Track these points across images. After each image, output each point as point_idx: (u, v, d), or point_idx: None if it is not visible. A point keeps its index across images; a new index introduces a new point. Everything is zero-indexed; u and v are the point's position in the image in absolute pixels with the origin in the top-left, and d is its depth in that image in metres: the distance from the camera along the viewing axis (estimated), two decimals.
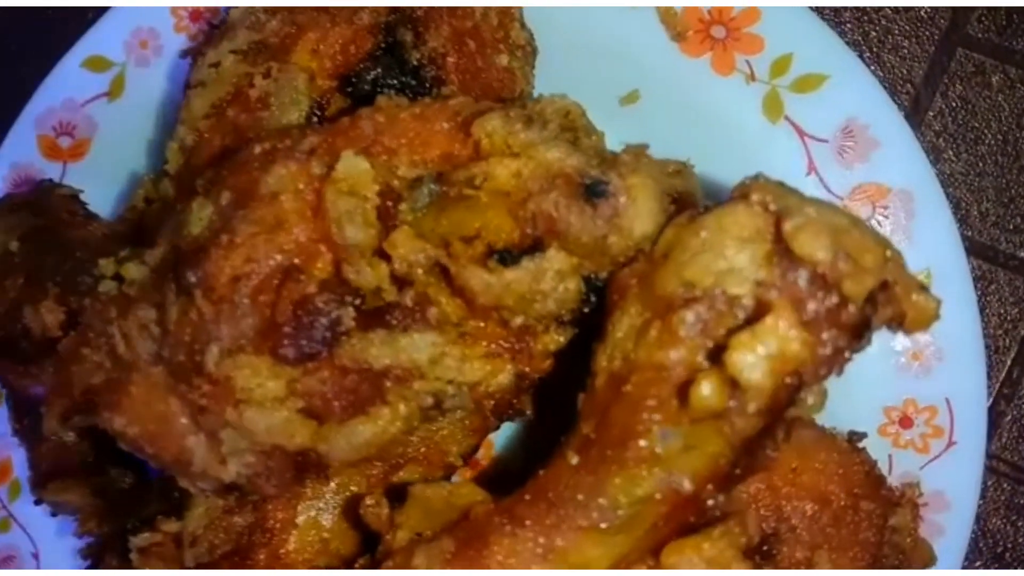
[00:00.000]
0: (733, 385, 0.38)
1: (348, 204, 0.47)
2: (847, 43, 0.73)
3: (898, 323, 0.42)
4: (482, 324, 0.51)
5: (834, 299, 0.40)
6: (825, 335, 0.40)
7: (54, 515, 0.72)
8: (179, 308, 0.48)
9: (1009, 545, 0.71)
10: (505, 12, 0.63)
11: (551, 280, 0.47)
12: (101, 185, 0.76)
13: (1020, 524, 0.71)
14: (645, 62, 0.70)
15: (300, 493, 0.59)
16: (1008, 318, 0.72)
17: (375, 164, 0.49)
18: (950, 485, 0.64)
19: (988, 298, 0.72)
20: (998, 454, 0.72)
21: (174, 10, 0.74)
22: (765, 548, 0.52)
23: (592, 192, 0.46)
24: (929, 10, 0.73)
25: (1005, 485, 0.71)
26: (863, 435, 0.58)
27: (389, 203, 0.49)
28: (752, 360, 0.38)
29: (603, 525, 0.44)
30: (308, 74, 0.60)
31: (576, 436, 0.46)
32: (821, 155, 0.67)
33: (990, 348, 0.72)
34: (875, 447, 0.64)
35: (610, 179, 0.46)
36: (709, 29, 0.69)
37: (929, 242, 0.65)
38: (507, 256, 0.46)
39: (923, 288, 0.42)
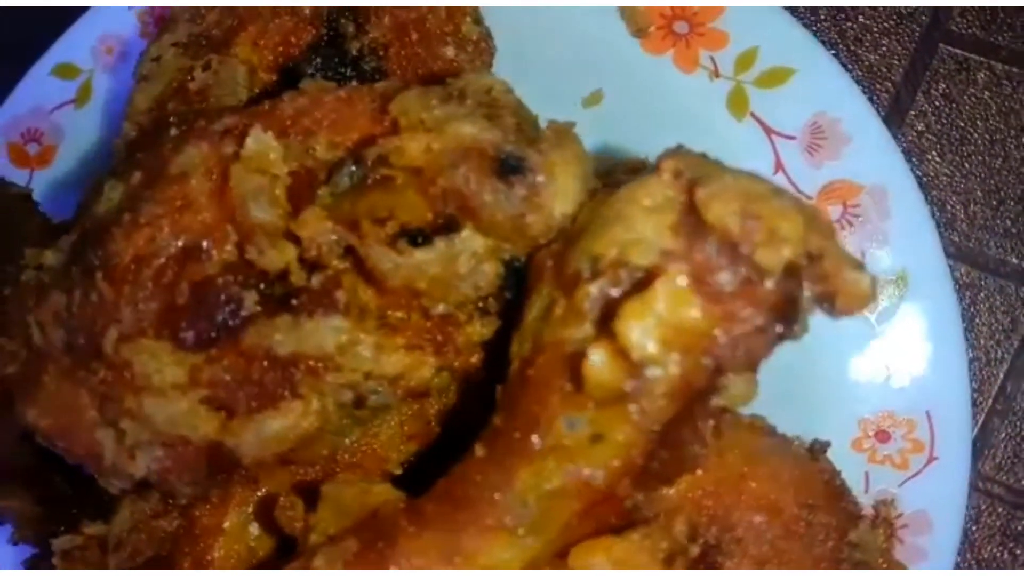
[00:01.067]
0: (627, 358, 0.35)
1: (254, 182, 0.45)
2: (824, 42, 0.70)
3: (829, 303, 0.39)
4: (402, 315, 0.48)
5: (746, 271, 0.36)
6: (741, 311, 0.37)
7: (12, 542, 0.70)
8: (82, 290, 0.46)
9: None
10: (456, 7, 0.62)
11: (466, 262, 0.44)
12: (67, 191, 0.76)
13: (1019, 552, 0.65)
14: (607, 61, 0.68)
15: (228, 499, 0.56)
16: (1000, 328, 0.67)
17: (290, 145, 0.47)
18: (932, 504, 0.59)
19: (978, 307, 0.67)
20: (992, 476, 0.66)
21: (140, 15, 0.75)
22: (707, 560, 0.47)
23: (507, 168, 0.43)
24: (909, 7, 0.70)
25: (1000, 509, 0.65)
26: (826, 444, 0.53)
27: (306, 186, 0.47)
28: (640, 328, 0.34)
29: (512, 524, 0.41)
30: (248, 67, 0.59)
31: (487, 428, 0.43)
32: (789, 152, 0.64)
33: (981, 360, 0.67)
34: (850, 463, 0.60)
35: (527, 155, 0.43)
36: (671, 25, 0.66)
37: (905, 242, 0.61)
38: (418, 236, 0.44)
39: (857, 264, 0.38)
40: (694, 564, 0.47)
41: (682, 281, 0.35)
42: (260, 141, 0.45)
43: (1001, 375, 0.66)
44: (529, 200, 0.43)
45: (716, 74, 0.65)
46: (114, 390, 0.45)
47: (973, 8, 0.69)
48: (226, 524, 0.56)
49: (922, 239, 0.61)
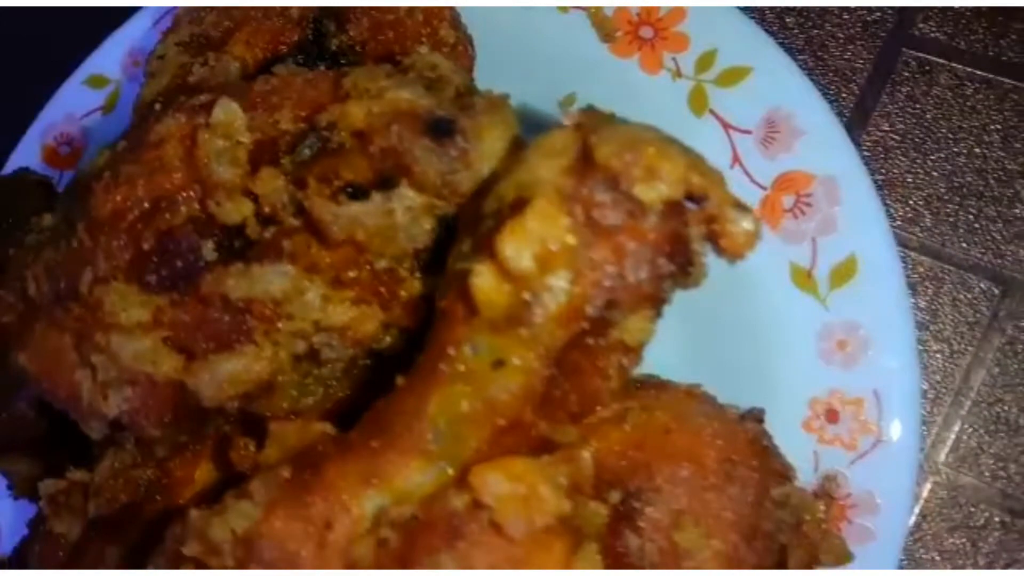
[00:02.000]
0: (510, 276, 0.38)
1: (218, 144, 0.50)
2: (792, 48, 0.74)
3: (715, 245, 0.41)
4: (352, 273, 0.52)
5: (629, 206, 0.39)
6: (626, 244, 0.40)
7: (13, 496, 0.76)
8: (66, 241, 0.52)
9: (970, 563, 0.64)
10: (434, 10, 0.67)
11: (402, 216, 0.49)
12: None
13: (981, 544, 0.64)
14: (579, 65, 0.72)
15: (200, 452, 0.60)
16: (963, 320, 0.67)
17: (256, 117, 0.52)
18: (880, 486, 0.60)
19: (941, 299, 0.68)
20: (954, 466, 0.66)
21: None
22: (626, 507, 0.49)
23: (438, 129, 0.47)
24: (874, 10, 0.73)
25: (962, 501, 0.65)
26: (761, 411, 0.55)
27: (268, 152, 0.52)
28: (514, 244, 0.38)
29: (426, 449, 0.44)
30: (241, 63, 0.65)
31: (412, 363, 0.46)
32: (745, 146, 0.67)
33: (944, 352, 0.68)
34: (800, 443, 0.61)
35: (458, 118, 0.48)
36: (637, 30, 0.71)
37: (855, 228, 0.63)
38: (358, 191, 0.48)
39: (741, 206, 0.41)
40: (614, 511, 0.49)
41: (553, 201, 0.38)
42: (226, 110, 0.51)
43: (964, 366, 0.67)
44: (458, 159, 0.48)
45: (678, 74, 0.69)
46: (87, 327, 0.50)
47: (936, 12, 0.71)
48: (196, 474, 0.60)
49: (871, 224, 0.62)
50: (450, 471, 0.44)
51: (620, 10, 0.71)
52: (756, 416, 0.55)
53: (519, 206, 0.39)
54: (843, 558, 0.56)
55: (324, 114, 0.50)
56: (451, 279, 0.42)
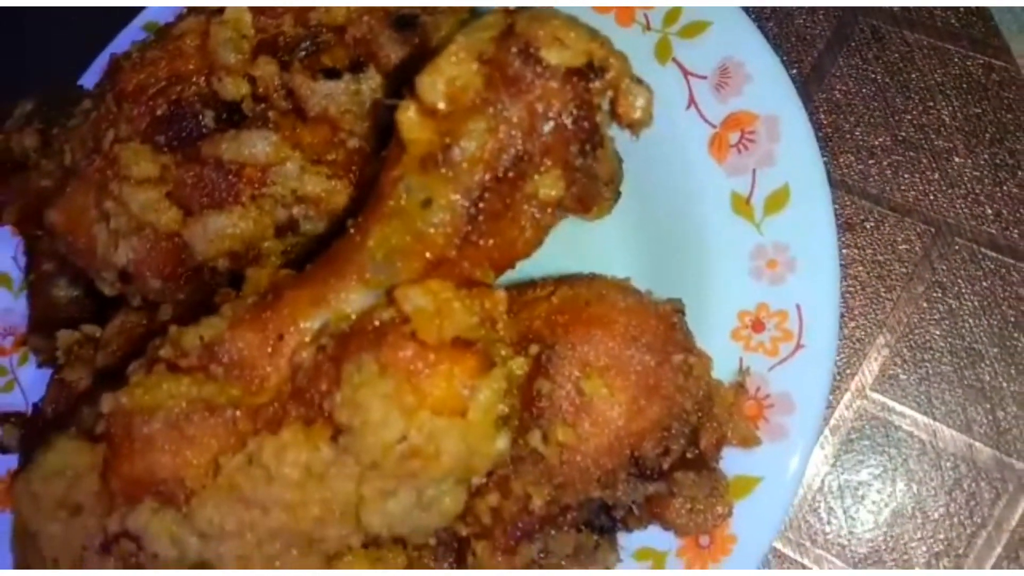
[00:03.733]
0: (432, 115, 0.46)
1: (226, 34, 0.60)
2: (760, 16, 0.81)
3: (614, 112, 0.49)
4: (330, 155, 0.61)
5: (536, 67, 0.47)
6: (535, 102, 0.48)
7: (39, 365, 0.86)
8: (96, 111, 0.62)
9: (889, 481, 0.68)
10: None
11: (369, 95, 0.58)
12: None
13: (894, 453, 0.68)
14: None
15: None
16: (898, 259, 0.72)
17: (262, 20, 0.62)
18: (796, 388, 0.65)
19: (878, 239, 0.73)
20: (875, 387, 0.71)
21: None
22: (541, 357, 0.56)
23: (401, 22, 0.56)
24: None
25: (879, 416, 0.70)
26: (679, 301, 0.61)
27: (271, 48, 0.62)
28: (430, 79, 0.46)
29: (367, 277, 0.52)
30: None
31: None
32: (700, 90, 0.74)
33: (878, 287, 0.73)
34: (728, 351, 0.67)
35: (420, 15, 0.57)
36: None
37: (790, 160, 0.69)
38: (332, 72, 0.57)
39: (638, 79, 0.49)
40: (533, 362, 0.56)
41: (465, 48, 0.46)
42: (236, 9, 0.61)
43: (895, 299, 0.72)
44: (418, 47, 0.56)
45: (647, 28, 0.77)
46: (105, 178, 0.60)
47: None
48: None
49: (805, 159, 0.68)
50: (383, 296, 0.52)
51: None
52: (675, 305, 0.61)
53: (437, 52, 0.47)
54: (749, 440, 0.62)
55: (315, 12, 0.60)
56: (393, 133, 0.51)
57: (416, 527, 0.52)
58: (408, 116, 0.47)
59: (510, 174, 0.50)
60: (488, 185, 0.49)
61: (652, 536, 0.65)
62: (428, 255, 0.51)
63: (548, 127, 0.48)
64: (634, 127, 0.49)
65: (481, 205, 0.50)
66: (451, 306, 0.49)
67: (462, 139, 0.48)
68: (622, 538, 0.65)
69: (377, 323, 0.50)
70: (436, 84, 0.46)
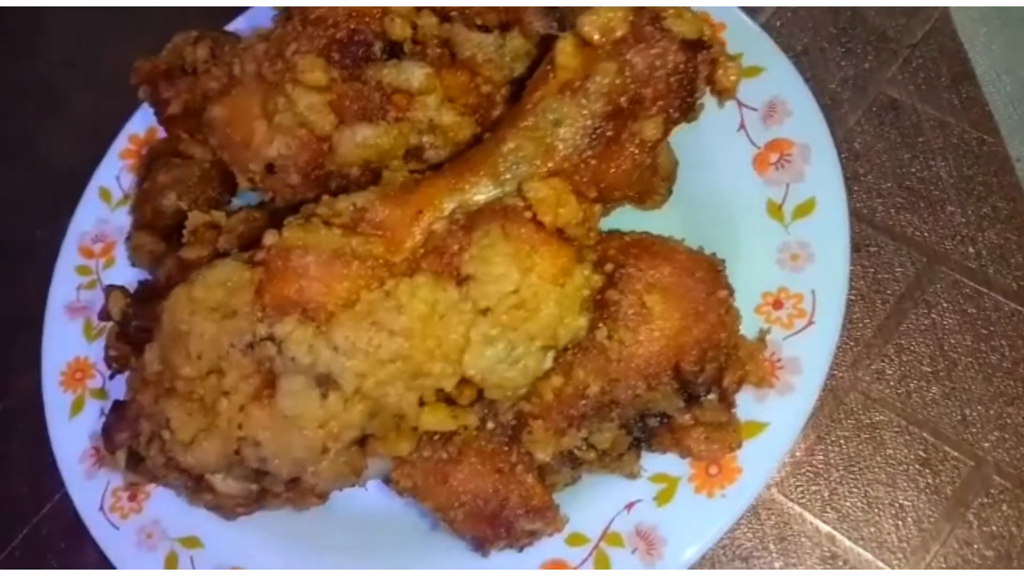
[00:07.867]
0: (585, 49, 0.61)
1: None
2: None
3: (710, 81, 0.64)
4: (464, 98, 0.75)
5: (661, 32, 0.62)
6: (655, 59, 0.63)
7: (133, 265, 0.97)
8: (282, 31, 0.76)
9: (872, 464, 0.80)
10: None
11: (510, 52, 0.72)
12: None
13: (881, 433, 0.81)
14: None
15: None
16: (893, 278, 0.87)
17: None
18: (804, 354, 0.78)
19: (881, 258, 0.88)
20: (870, 383, 0.84)
21: None
22: (615, 274, 0.69)
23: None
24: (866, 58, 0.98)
25: (870, 410, 0.83)
26: (723, 260, 0.75)
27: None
28: (589, 19, 0.61)
29: (497, 172, 0.65)
30: None
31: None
32: (751, 118, 0.90)
33: (875, 300, 0.87)
34: (751, 323, 0.80)
35: None
36: None
37: (818, 179, 0.84)
38: (485, 28, 0.72)
39: (733, 58, 0.64)
40: (607, 278, 0.69)
41: (619, 12, 0.61)
42: None
43: (885, 315, 0.86)
44: (562, 20, 0.71)
45: None
46: (282, 79, 0.73)
47: (909, 69, 0.96)
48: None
49: (829, 181, 0.84)
50: (510, 189, 0.65)
51: None
52: (720, 261, 0.75)
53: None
54: (764, 381, 0.74)
55: None
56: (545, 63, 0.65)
57: (500, 382, 0.63)
58: (567, 43, 0.62)
59: (624, 111, 0.64)
60: (607, 116, 0.64)
61: (668, 462, 0.76)
62: (550, 164, 0.64)
63: (660, 81, 0.63)
64: (723, 94, 0.64)
65: (597, 132, 0.64)
66: (569, 199, 0.62)
67: (597, 75, 0.62)
68: (644, 460, 0.76)
69: (505, 204, 0.63)
70: (595, 21, 0.61)
